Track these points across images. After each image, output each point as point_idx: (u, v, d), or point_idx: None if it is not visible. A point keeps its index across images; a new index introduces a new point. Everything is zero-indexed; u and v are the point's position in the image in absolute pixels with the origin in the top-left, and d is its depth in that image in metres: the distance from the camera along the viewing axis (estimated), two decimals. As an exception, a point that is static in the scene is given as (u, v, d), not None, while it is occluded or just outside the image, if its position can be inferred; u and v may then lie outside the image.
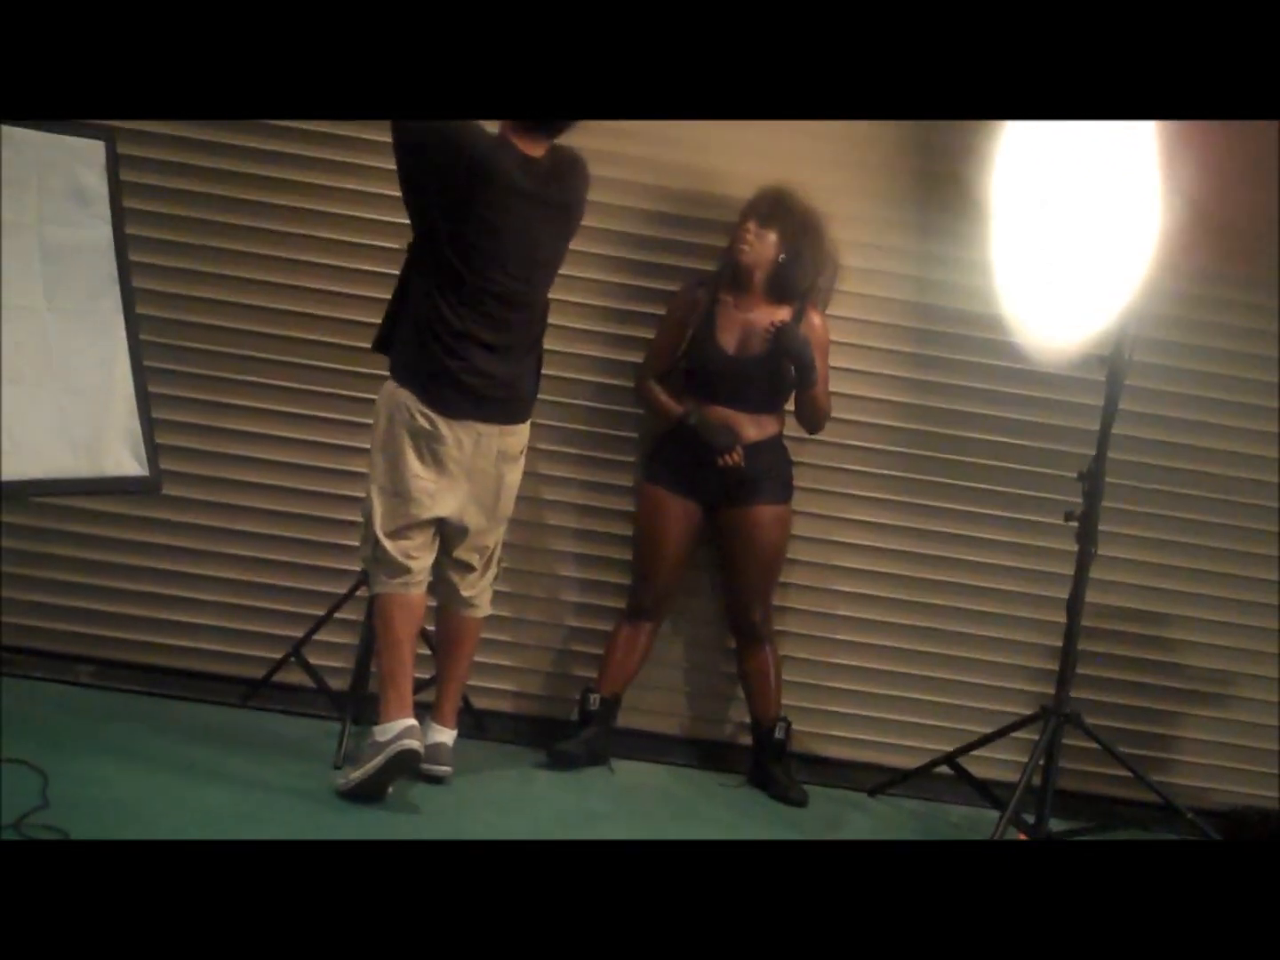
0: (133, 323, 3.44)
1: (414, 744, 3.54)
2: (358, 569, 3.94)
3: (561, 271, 3.82)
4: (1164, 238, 3.78)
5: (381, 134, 3.62)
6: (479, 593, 3.84)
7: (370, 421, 3.74)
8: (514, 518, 3.93)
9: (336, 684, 4.12)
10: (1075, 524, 3.90)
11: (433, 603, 3.84)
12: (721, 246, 4.19)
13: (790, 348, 4.03)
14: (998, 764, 4.27)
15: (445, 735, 3.82)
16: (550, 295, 3.80)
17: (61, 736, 3.64)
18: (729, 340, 4.12)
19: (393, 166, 3.59)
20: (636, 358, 4.30)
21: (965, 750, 4.13)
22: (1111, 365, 3.87)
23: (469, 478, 3.67)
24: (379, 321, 3.74)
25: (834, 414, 4.23)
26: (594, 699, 4.18)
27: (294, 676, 4.17)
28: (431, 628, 3.94)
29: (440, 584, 3.81)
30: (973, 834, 4.04)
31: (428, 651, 3.98)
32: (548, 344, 3.87)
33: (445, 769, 3.78)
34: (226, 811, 3.37)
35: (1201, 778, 4.53)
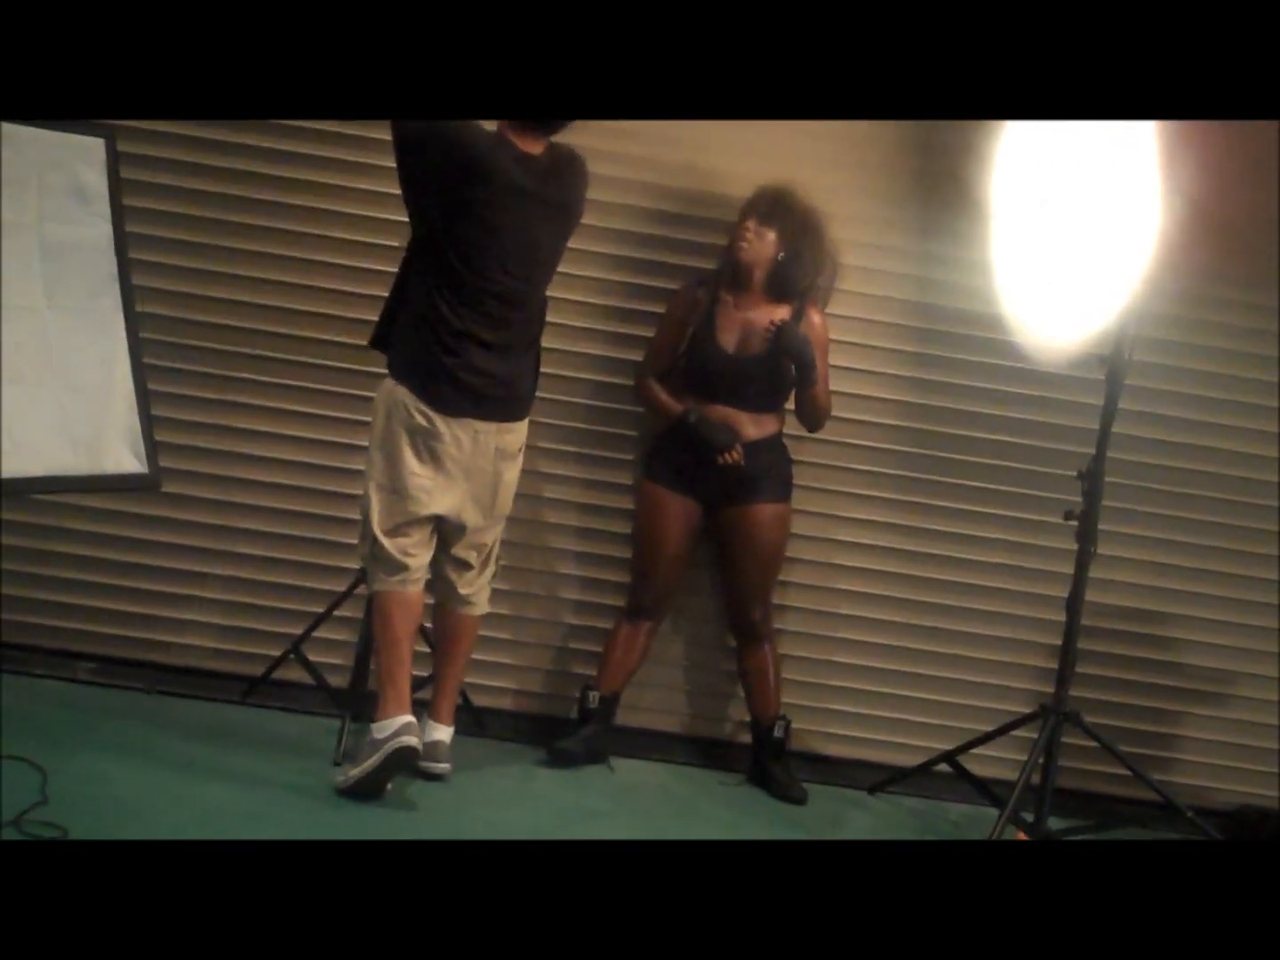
0: (132, 321, 3.44)
1: (412, 741, 3.54)
2: (357, 566, 3.95)
3: (561, 270, 3.82)
4: (1164, 237, 3.78)
5: (388, 132, 3.61)
6: (477, 591, 3.84)
7: (369, 419, 3.74)
8: (514, 515, 3.93)
9: (336, 681, 4.12)
10: (1075, 523, 3.90)
11: (431, 600, 3.85)
12: (721, 245, 4.19)
13: (791, 346, 4.03)
14: (997, 762, 4.26)
15: (443, 733, 3.83)
16: (550, 293, 3.80)
17: (61, 733, 3.64)
18: (729, 339, 4.12)
19: (399, 167, 3.60)
20: (636, 356, 4.30)
21: (965, 748, 4.13)
22: (1111, 364, 3.87)
23: (467, 476, 3.67)
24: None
25: (834, 413, 4.23)
26: (594, 697, 4.18)
27: (294, 674, 4.17)
28: (430, 625, 3.94)
29: (438, 582, 3.81)
30: (972, 832, 4.04)
31: (427, 649, 3.99)
32: (548, 342, 3.88)
33: (444, 766, 3.79)
34: (226, 809, 3.37)
35: (1201, 776, 4.52)
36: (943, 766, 4.16)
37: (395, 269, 3.71)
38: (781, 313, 4.08)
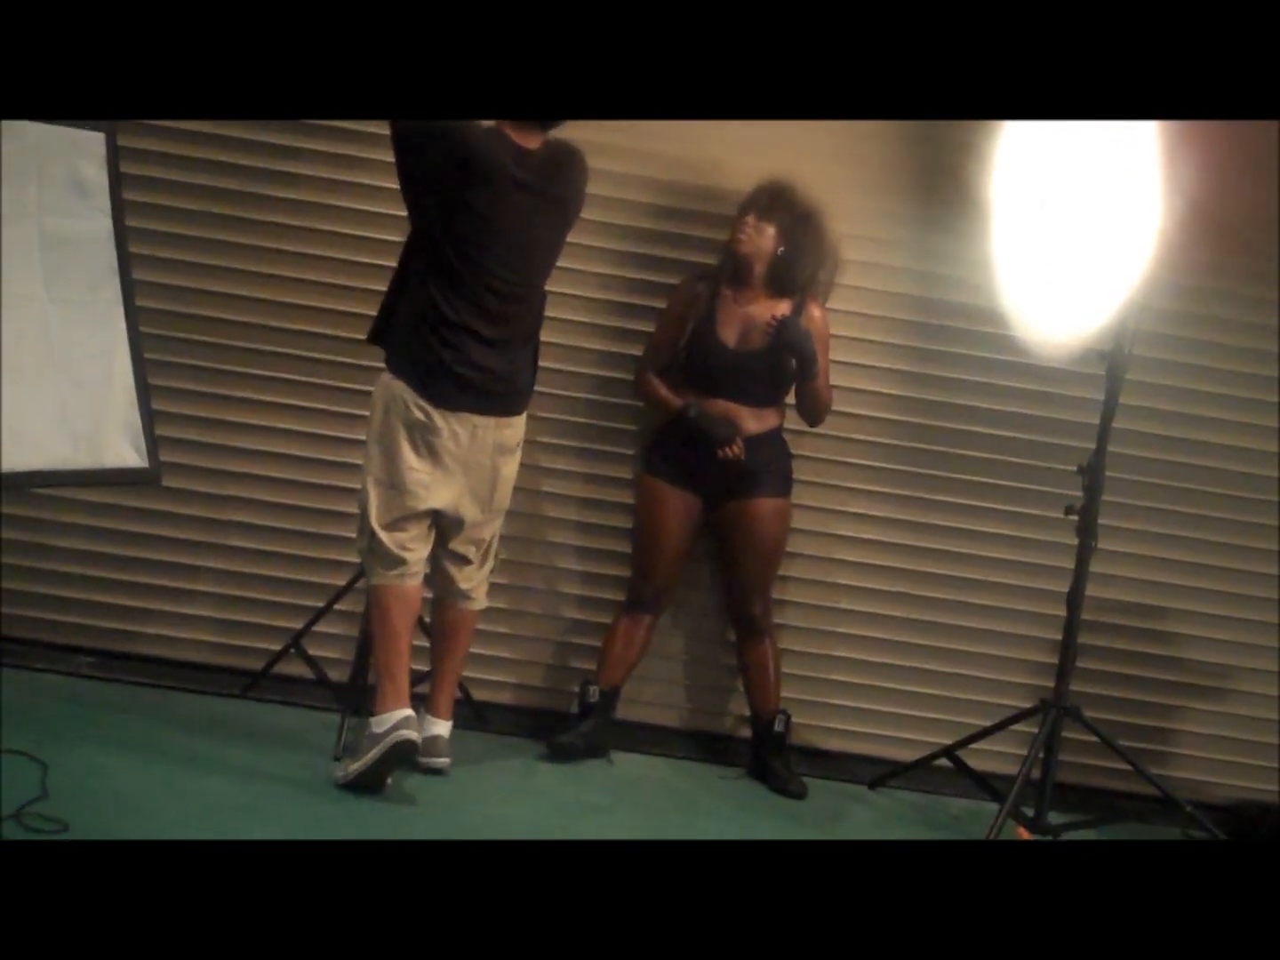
0: (132, 314, 3.44)
1: (411, 734, 3.54)
2: (356, 561, 3.95)
3: (561, 264, 3.82)
4: (1164, 236, 3.78)
5: (387, 128, 3.61)
6: (475, 585, 3.84)
7: (368, 414, 3.74)
8: (513, 510, 3.93)
9: (336, 675, 4.13)
10: (1075, 518, 3.90)
11: (429, 594, 3.85)
12: (722, 240, 4.19)
13: (791, 341, 4.02)
14: (997, 757, 4.26)
15: (441, 727, 3.83)
16: (550, 288, 3.80)
17: (62, 728, 3.65)
18: (729, 334, 4.12)
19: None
20: (637, 351, 4.30)
21: (965, 743, 4.13)
22: (1111, 360, 3.86)
23: (465, 470, 3.67)
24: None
25: (834, 407, 4.22)
26: (593, 691, 4.17)
27: (294, 668, 4.18)
28: (429, 619, 3.94)
29: (436, 576, 3.81)
30: (972, 826, 4.04)
31: (426, 643, 3.99)
32: (547, 337, 3.87)
33: (443, 761, 3.79)
34: (226, 803, 3.38)
35: (1201, 771, 4.53)
36: (943, 761, 4.15)
37: (393, 263, 3.70)
38: (782, 307, 4.08)
